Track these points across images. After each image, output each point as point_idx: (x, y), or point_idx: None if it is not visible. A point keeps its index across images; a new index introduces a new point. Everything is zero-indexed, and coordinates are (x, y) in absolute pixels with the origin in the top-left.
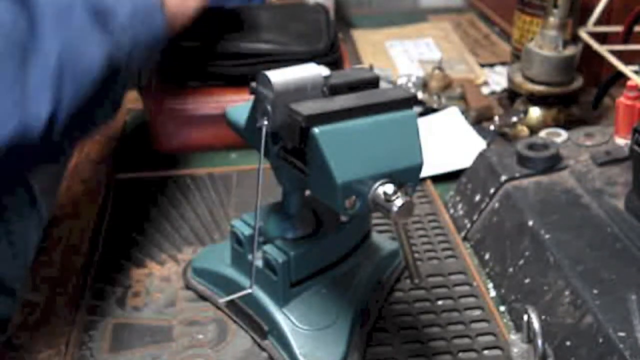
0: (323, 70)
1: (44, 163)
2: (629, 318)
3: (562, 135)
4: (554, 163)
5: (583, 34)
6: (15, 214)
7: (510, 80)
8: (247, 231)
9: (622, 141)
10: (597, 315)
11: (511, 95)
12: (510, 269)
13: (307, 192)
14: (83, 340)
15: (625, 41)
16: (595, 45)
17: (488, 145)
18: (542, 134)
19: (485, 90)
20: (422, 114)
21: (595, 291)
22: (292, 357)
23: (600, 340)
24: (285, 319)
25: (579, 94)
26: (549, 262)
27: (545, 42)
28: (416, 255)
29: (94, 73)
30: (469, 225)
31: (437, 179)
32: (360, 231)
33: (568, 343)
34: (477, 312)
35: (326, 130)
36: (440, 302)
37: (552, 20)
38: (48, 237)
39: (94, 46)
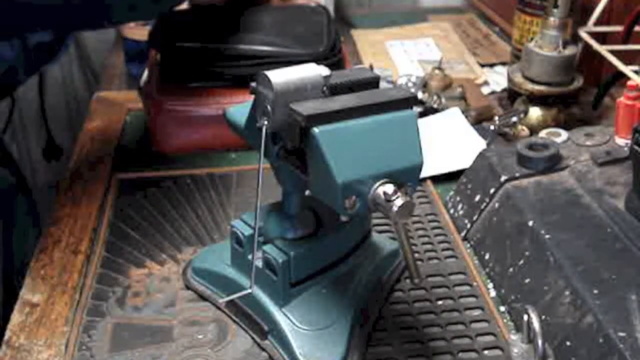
0: (323, 70)
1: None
2: (629, 318)
3: (562, 135)
4: (554, 163)
5: (583, 33)
6: (14, 220)
7: (510, 80)
8: (247, 231)
9: (623, 141)
10: (597, 315)
11: (511, 95)
12: (510, 269)
13: (307, 192)
14: (83, 341)
15: (625, 41)
16: (595, 45)
17: (488, 145)
18: (542, 134)
19: (485, 90)
20: (422, 114)
21: (595, 291)
22: (292, 357)
23: (601, 341)
24: (285, 319)
25: (579, 94)
26: (549, 262)
27: (545, 42)
28: (416, 255)
29: None
30: (469, 225)
31: (437, 179)
32: (360, 231)
33: (568, 343)
34: (477, 312)
35: (326, 130)
36: (440, 302)
37: (552, 20)
38: (48, 237)
39: None
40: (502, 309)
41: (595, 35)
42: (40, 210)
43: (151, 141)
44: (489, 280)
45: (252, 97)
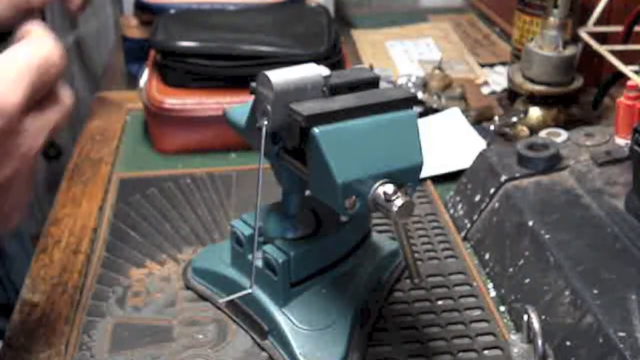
0: (323, 70)
1: None
2: (629, 318)
3: (562, 135)
4: (554, 163)
5: (583, 34)
6: None
7: (510, 80)
8: (247, 231)
9: (622, 141)
10: (597, 315)
11: (511, 95)
12: (510, 269)
13: (307, 192)
14: (83, 340)
15: (625, 41)
16: (595, 45)
17: (488, 145)
18: (542, 134)
19: (485, 90)
20: (422, 114)
21: (595, 291)
22: (292, 357)
23: (600, 340)
24: (285, 319)
25: (579, 94)
26: (549, 262)
27: (545, 42)
28: (416, 255)
29: None
30: (469, 225)
31: (437, 179)
32: (360, 231)
33: (568, 343)
34: (477, 312)
35: (326, 130)
36: (440, 302)
37: (552, 20)
38: (48, 237)
39: None
40: (502, 309)
41: (595, 35)
42: (40, 210)
43: (151, 141)
44: (489, 280)
45: (252, 97)
